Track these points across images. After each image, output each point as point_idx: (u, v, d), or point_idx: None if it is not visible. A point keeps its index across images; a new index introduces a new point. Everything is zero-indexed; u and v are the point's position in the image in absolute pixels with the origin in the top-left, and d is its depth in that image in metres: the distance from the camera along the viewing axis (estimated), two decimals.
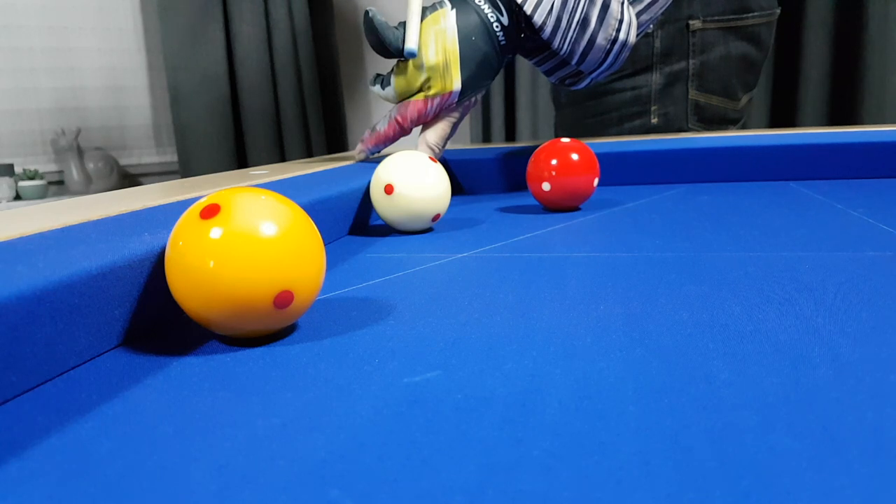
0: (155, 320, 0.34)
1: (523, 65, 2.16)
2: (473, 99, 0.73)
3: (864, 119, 1.78)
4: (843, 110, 1.84)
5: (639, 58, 1.04)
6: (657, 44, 1.03)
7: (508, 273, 0.42)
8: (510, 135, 2.26)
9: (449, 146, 0.93)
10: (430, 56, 0.67)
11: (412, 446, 0.21)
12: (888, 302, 0.32)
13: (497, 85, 2.20)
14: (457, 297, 0.37)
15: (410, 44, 0.67)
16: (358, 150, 0.78)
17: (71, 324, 0.28)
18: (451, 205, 0.75)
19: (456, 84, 0.68)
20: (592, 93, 1.10)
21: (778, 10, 1.07)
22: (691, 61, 1.04)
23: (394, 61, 0.70)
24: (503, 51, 0.70)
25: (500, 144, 1.02)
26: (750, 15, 1.03)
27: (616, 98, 1.08)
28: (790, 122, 1.90)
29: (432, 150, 0.72)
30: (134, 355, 0.30)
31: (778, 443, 0.20)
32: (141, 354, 0.30)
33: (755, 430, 0.20)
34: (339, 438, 0.21)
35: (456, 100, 0.70)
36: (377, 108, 2.55)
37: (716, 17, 1.02)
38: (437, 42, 0.67)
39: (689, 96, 1.05)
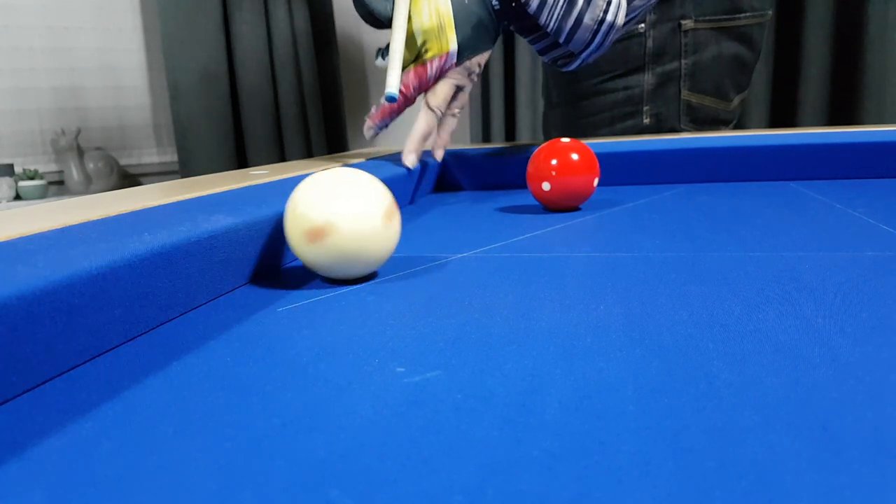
0: (155, 320, 0.34)
1: (523, 65, 2.16)
2: (478, 66, 0.74)
3: (864, 119, 1.78)
4: (843, 110, 1.84)
5: (631, 58, 1.04)
6: (649, 44, 1.03)
7: (508, 273, 0.42)
8: (510, 135, 2.26)
9: (449, 146, 0.92)
10: (424, 20, 0.68)
11: (412, 446, 0.21)
12: (888, 302, 0.32)
13: (497, 85, 2.20)
14: (457, 297, 0.37)
15: (391, 88, 0.68)
16: (367, 128, 0.76)
17: (71, 324, 0.28)
18: (449, 204, 0.75)
19: (452, 44, 0.69)
20: (584, 93, 1.10)
21: (770, 12, 1.07)
22: (683, 61, 1.03)
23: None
24: (498, 16, 0.71)
25: (500, 144, 1.02)
26: (742, 15, 1.03)
27: (608, 98, 1.08)
28: (790, 122, 1.90)
29: (434, 112, 0.72)
30: (134, 355, 0.30)
31: (778, 443, 0.20)
32: (141, 354, 0.30)
33: (755, 430, 0.20)
34: (339, 438, 0.21)
35: (454, 60, 0.70)
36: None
37: (708, 18, 1.02)
38: (429, 6, 0.68)
39: (682, 96, 1.05)
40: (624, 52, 1.03)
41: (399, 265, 0.46)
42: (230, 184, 0.59)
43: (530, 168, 0.63)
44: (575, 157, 0.61)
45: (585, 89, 1.09)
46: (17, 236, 0.36)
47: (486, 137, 2.27)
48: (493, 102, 2.23)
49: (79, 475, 0.20)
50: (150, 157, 2.42)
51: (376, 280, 0.42)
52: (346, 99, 2.53)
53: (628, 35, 1.01)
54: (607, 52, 1.01)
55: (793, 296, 0.34)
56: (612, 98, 1.07)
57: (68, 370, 0.29)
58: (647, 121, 1.06)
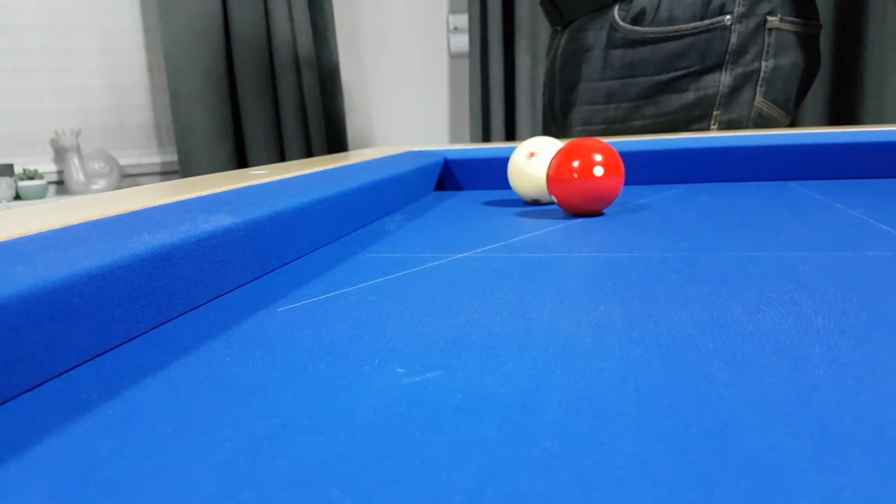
0: (155, 320, 0.34)
1: (523, 65, 2.16)
2: None
3: (864, 119, 1.77)
4: (843, 110, 1.84)
5: (711, 53, 0.95)
6: (733, 39, 0.95)
7: (508, 273, 0.42)
8: (510, 135, 2.26)
9: (449, 146, 0.93)
10: None
11: (412, 446, 0.21)
12: (888, 302, 0.32)
13: (497, 85, 2.20)
14: (457, 297, 0.37)
15: None
16: None
17: (71, 324, 0.28)
18: (449, 204, 0.75)
19: None
20: (648, 91, 1.00)
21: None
22: (764, 63, 0.95)
23: None
24: None
25: (500, 144, 1.01)
26: (816, 23, 0.97)
27: (675, 100, 0.98)
28: (790, 122, 1.89)
29: None
30: (134, 355, 0.30)
31: (778, 443, 0.20)
32: (141, 354, 0.30)
33: (755, 430, 0.20)
34: (339, 438, 0.21)
35: None
36: (377, 108, 2.55)
37: (791, 18, 0.95)
38: None
39: (755, 102, 0.97)
40: (705, 46, 0.95)
41: (399, 265, 0.46)
42: (230, 184, 0.59)
43: (568, 168, 0.58)
44: (611, 159, 0.59)
45: (648, 87, 0.99)
46: (17, 236, 0.36)
47: (486, 137, 2.27)
48: (492, 102, 2.23)
49: (79, 475, 0.20)
50: (150, 157, 2.41)
51: (376, 280, 0.42)
52: (345, 99, 2.53)
53: (712, 28, 0.93)
54: (684, 45, 0.93)
55: (793, 296, 0.34)
56: (680, 100, 0.98)
57: (68, 370, 0.29)
58: (714, 127, 0.97)
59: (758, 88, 0.96)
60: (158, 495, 0.19)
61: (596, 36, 1.02)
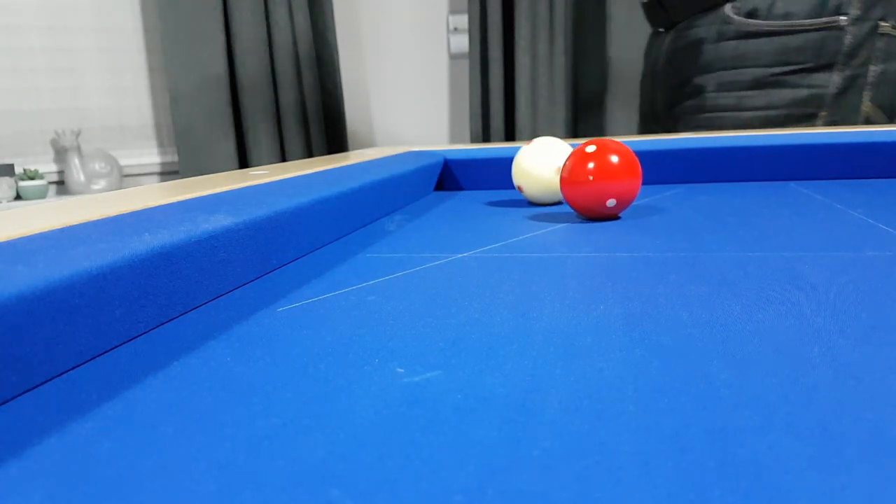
0: (155, 320, 0.34)
1: (523, 65, 2.15)
2: None
3: None
4: None
5: (824, 52, 0.95)
6: (847, 40, 0.95)
7: (508, 273, 0.42)
8: (510, 135, 2.26)
9: (449, 146, 0.93)
10: None
11: (412, 446, 0.21)
12: (888, 302, 0.32)
13: (497, 85, 2.20)
14: (457, 297, 0.37)
15: None
16: None
17: (71, 324, 0.28)
18: (449, 204, 0.75)
19: None
20: (760, 81, 1.00)
21: None
22: (872, 67, 0.96)
23: None
24: None
25: (499, 144, 1.01)
26: None
27: (788, 94, 0.98)
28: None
29: None
30: (134, 355, 0.30)
31: (778, 443, 0.20)
32: (141, 354, 0.30)
33: (755, 430, 0.20)
34: (339, 438, 0.21)
35: None
36: (377, 108, 2.55)
37: None
38: None
39: (862, 107, 0.97)
40: (819, 44, 0.95)
41: (399, 265, 0.46)
42: (230, 184, 0.59)
43: (584, 171, 0.56)
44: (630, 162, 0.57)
45: (761, 77, 0.99)
46: (18, 236, 0.36)
47: (486, 137, 2.27)
48: (492, 102, 2.23)
49: (79, 475, 0.20)
50: (150, 157, 2.41)
51: (376, 280, 0.42)
52: (345, 99, 2.53)
53: (827, 26, 0.94)
54: (798, 40, 0.92)
55: (793, 296, 0.34)
56: (794, 95, 0.98)
57: (68, 370, 0.29)
58: (819, 124, 0.97)
59: (864, 92, 0.97)
60: (158, 495, 0.19)
61: (706, 31, 1.03)
